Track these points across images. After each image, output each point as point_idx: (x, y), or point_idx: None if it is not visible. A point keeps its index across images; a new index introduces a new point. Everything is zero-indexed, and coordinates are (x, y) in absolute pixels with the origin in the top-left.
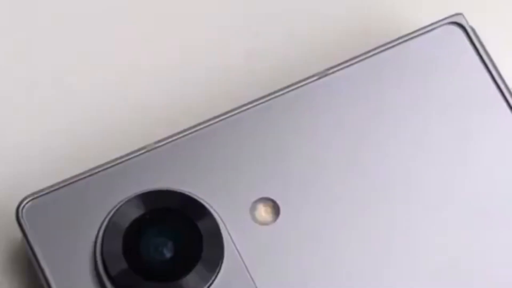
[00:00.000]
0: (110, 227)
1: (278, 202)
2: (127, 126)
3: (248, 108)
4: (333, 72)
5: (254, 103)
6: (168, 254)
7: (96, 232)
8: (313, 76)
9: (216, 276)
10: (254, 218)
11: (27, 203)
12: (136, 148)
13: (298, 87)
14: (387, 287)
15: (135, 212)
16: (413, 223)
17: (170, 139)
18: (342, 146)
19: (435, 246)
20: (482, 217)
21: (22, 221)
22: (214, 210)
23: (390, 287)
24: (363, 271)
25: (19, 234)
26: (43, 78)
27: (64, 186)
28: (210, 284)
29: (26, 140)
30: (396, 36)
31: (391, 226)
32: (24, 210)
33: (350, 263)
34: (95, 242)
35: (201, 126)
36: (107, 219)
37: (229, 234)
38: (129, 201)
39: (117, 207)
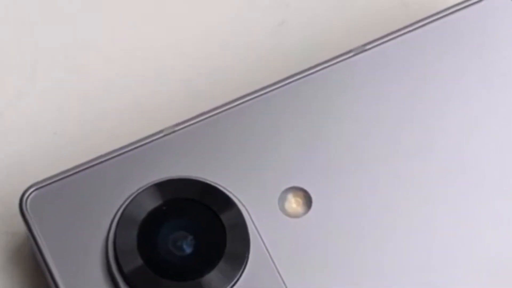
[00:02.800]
0: (124, 219)
1: (310, 192)
2: (145, 108)
3: (277, 88)
4: (371, 48)
5: (284, 82)
6: (187, 249)
7: (108, 225)
8: (348, 52)
9: (241, 274)
10: (283, 210)
11: (31, 192)
12: (153, 131)
13: (332, 64)
14: None
15: (152, 203)
16: (463, 214)
17: (190, 122)
18: (382, 129)
19: (487, 236)
20: None
21: (26, 213)
22: (239, 201)
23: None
24: (406, 269)
25: (22, 228)
26: (47, 60)
27: (73, 174)
28: (235, 283)
29: (31, 124)
30: (441, 8)
31: (439, 218)
32: (28, 201)
33: (390, 261)
34: (107, 236)
35: (226, 108)
36: (120, 211)
37: (255, 227)
38: (145, 190)
39: (131, 197)
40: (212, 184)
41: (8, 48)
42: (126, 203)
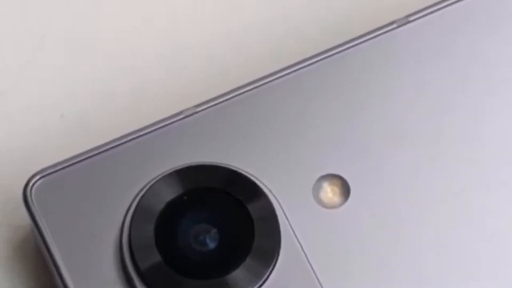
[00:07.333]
0: (139, 211)
1: (347, 179)
2: (163, 87)
3: (310, 64)
4: (415, 19)
5: (318, 58)
6: (211, 244)
7: (122, 217)
8: (391, 23)
9: (270, 272)
10: (318, 200)
11: (37, 181)
12: (172, 113)
13: (373, 37)
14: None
15: (171, 192)
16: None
17: (213, 102)
18: (427, 110)
19: None
20: None
21: (30, 204)
22: (269, 190)
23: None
24: (453, 266)
25: (26, 220)
26: (54, 35)
27: (82, 160)
28: (263, 282)
29: (36, 105)
30: None
31: (491, 209)
32: (33, 190)
33: (434, 258)
34: (121, 229)
35: (253, 86)
36: (136, 201)
37: (287, 219)
38: (163, 178)
39: (148, 186)
40: (239, 171)
41: (12, 21)
42: (142, 192)
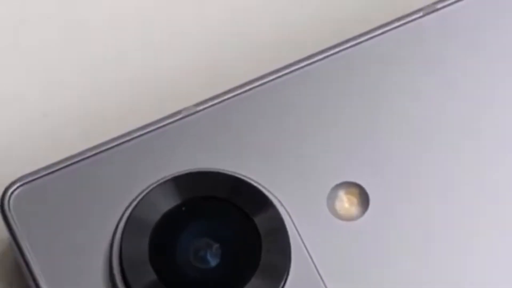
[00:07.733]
0: (132, 223)
1: (366, 188)
2: (159, 83)
3: (322, 58)
4: (444, 7)
5: (331, 51)
6: (212, 261)
7: (112, 230)
8: (417, 11)
9: None
10: (333, 211)
11: (16, 189)
12: (168, 113)
13: (396, 27)
14: None
15: (167, 202)
16: None
17: (215, 101)
18: (454, 110)
19: None
20: None
21: (8, 215)
22: (278, 200)
23: None
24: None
25: (4, 233)
26: (35, 20)
27: (68, 166)
28: None
29: (15, 102)
30: None
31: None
32: (11, 200)
33: (458, 275)
34: (111, 244)
35: (258, 83)
36: (128, 212)
37: (298, 233)
38: (158, 186)
39: (142, 195)
40: (244, 178)
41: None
42: (135, 202)
